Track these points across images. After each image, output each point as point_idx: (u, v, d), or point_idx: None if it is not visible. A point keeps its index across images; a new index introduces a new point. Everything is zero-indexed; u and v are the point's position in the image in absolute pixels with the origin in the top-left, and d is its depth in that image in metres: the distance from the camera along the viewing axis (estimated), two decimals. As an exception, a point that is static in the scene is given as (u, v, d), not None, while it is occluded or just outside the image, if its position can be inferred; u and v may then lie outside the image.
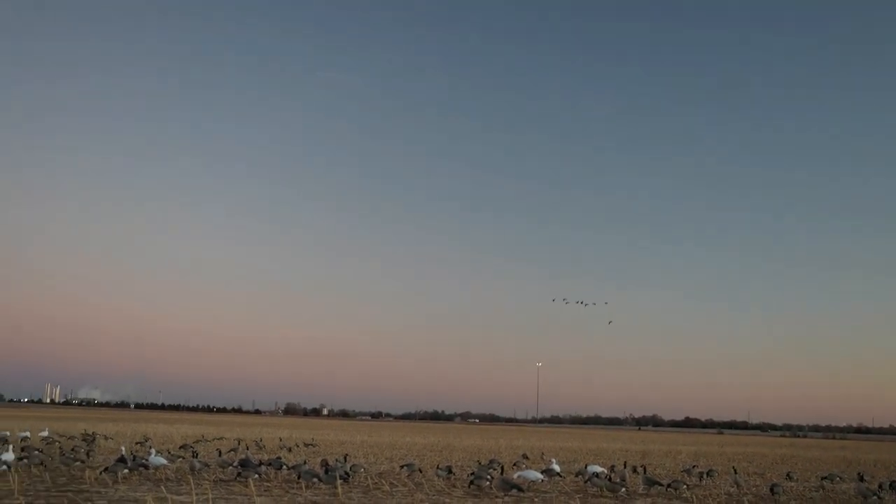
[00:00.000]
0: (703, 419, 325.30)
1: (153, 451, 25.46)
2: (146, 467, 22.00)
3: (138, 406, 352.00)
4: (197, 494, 16.63)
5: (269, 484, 20.51)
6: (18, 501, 15.02)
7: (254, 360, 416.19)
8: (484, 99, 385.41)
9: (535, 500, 19.41)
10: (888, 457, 68.10)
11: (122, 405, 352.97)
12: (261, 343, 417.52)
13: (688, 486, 23.15)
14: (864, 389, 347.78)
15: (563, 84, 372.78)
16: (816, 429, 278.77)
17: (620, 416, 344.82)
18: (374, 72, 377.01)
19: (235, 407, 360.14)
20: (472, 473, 22.22)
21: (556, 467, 25.99)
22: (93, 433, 43.32)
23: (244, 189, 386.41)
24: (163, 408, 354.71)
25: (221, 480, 21.24)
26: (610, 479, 21.97)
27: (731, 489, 24.59)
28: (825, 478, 27.20)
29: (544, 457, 39.37)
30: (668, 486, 22.40)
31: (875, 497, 21.51)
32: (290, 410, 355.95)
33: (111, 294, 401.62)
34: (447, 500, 18.19)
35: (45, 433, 42.55)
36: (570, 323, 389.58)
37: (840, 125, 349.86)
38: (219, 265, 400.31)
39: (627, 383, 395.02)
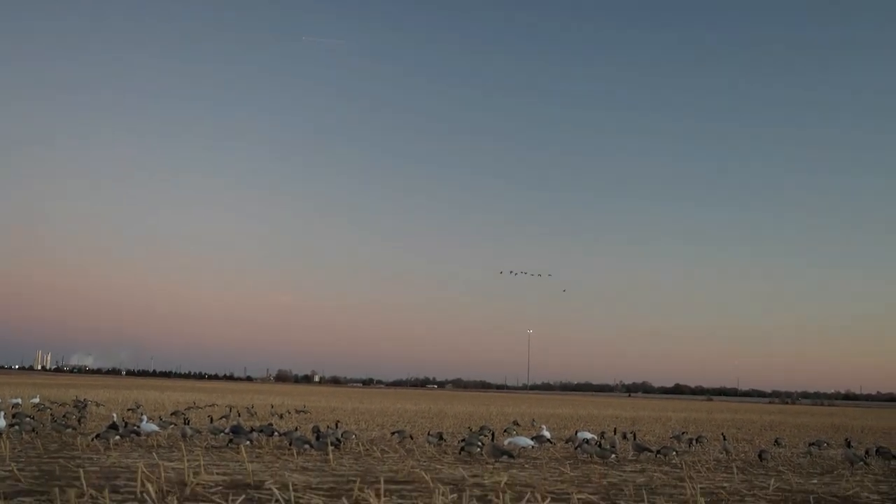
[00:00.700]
0: (692, 386, 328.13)
1: (145, 417, 25.46)
2: (138, 434, 22.01)
3: (129, 373, 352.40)
4: (188, 461, 16.63)
5: (260, 450, 20.55)
6: (9, 468, 15.00)
7: (245, 328, 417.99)
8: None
9: (526, 466, 19.50)
10: (875, 423, 68.84)
11: (114, 372, 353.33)
12: (252, 310, 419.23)
13: (677, 452, 23.30)
14: (852, 357, 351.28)
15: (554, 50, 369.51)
16: (805, 395, 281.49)
17: (611, 383, 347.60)
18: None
19: (227, 374, 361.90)
20: (463, 440, 22.28)
21: (547, 434, 26.13)
22: (84, 400, 43.36)
23: (234, 155, 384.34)
24: (154, 374, 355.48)
25: (213, 447, 21.28)
26: (600, 446, 22.08)
27: (720, 455, 24.77)
28: (813, 444, 27.40)
29: (535, 423, 39.60)
30: (658, 452, 22.53)
31: (862, 462, 21.71)
32: (281, 377, 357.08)
33: (103, 261, 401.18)
34: (438, 467, 18.26)
35: (37, 400, 42.61)
36: (561, 290, 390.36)
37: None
38: (210, 231, 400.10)
39: (618, 350, 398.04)
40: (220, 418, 32.75)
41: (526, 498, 13.62)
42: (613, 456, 21.43)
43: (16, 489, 12.94)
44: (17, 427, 22.33)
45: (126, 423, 24.15)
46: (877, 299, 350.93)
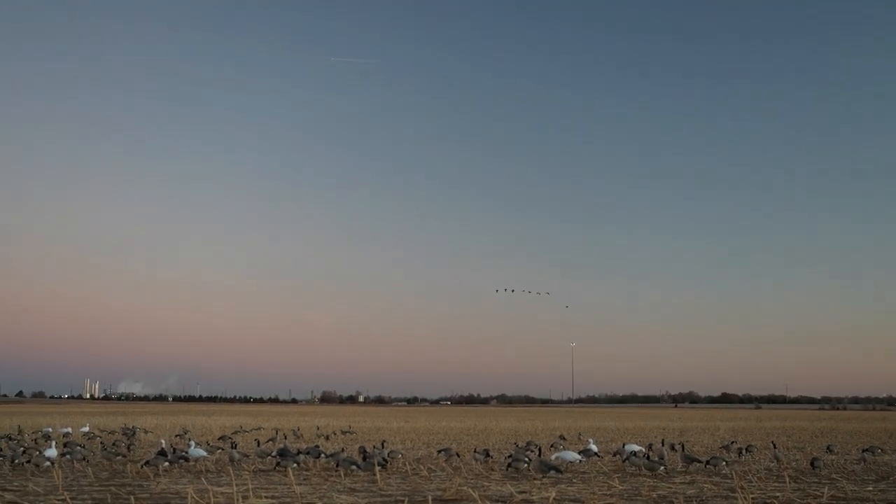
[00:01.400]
0: (740, 394, 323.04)
1: (192, 443, 25.70)
2: (186, 459, 22.20)
3: (176, 399, 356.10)
4: (237, 485, 16.76)
5: (307, 472, 20.64)
6: (63, 496, 15.23)
7: (289, 350, 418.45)
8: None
9: (574, 480, 19.37)
10: (930, 426, 67.32)
11: (161, 398, 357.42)
12: (296, 333, 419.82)
13: (727, 462, 22.97)
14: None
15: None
16: (856, 401, 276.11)
17: (656, 393, 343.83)
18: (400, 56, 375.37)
19: (272, 397, 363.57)
20: (510, 456, 22.21)
21: (594, 447, 25.94)
22: (133, 427, 43.89)
23: (273, 180, 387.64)
24: (200, 400, 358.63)
25: (261, 470, 21.42)
26: (648, 458, 21.86)
27: (771, 464, 24.41)
28: (866, 450, 26.85)
29: (581, 437, 39.31)
30: (707, 462, 22.26)
31: (919, 468, 21.25)
32: (326, 399, 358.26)
33: (148, 289, 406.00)
34: (486, 484, 18.20)
35: (87, 429, 43.18)
36: (603, 302, 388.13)
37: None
38: (253, 256, 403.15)
39: (663, 360, 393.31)
40: (267, 441, 32.94)
41: (575, 513, 13.52)
42: (662, 468, 21.19)
43: (70, 518, 13.13)
44: (68, 456, 22.69)
45: (174, 449, 24.37)
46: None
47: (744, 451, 27.35)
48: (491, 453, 25.02)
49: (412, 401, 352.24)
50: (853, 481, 19.62)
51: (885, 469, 23.18)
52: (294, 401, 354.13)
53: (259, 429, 48.88)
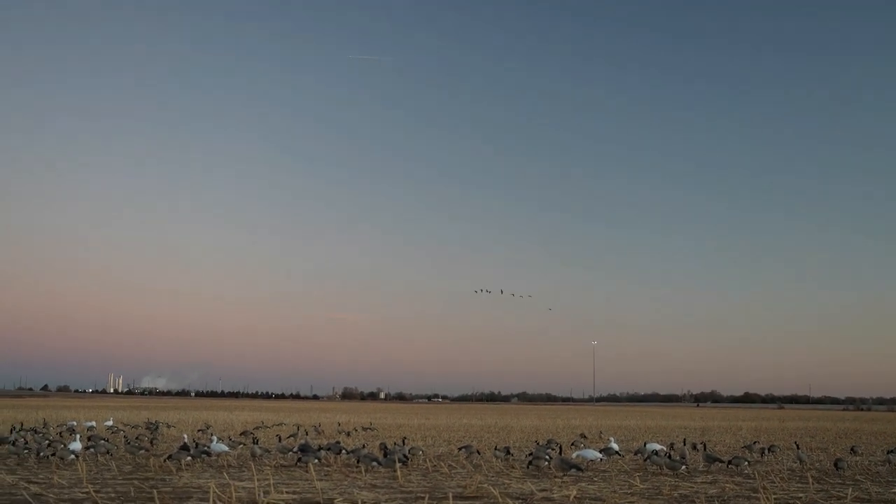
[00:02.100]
0: (762, 394, 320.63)
1: (215, 438, 25.89)
2: (208, 454, 22.37)
3: (198, 394, 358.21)
4: (258, 480, 16.85)
5: (328, 468, 20.72)
6: (86, 489, 15.37)
7: (311, 347, 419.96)
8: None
9: (595, 479, 19.31)
10: (956, 428, 66.55)
11: (183, 393, 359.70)
12: (317, 329, 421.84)
13: (749, 462, 22.80)
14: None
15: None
16: (880, 401, 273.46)
17: (678, 392, 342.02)
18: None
19: (293, 393, 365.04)
20: (531, 454, 22.19)
21: (615, 446, 25.84)
22: (156, 422, 44.20)
23: (298, 176, 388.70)
24: (223, 395, 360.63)
25: (282, 466, 21.52)
26: (670, 457, 21.76)
27: (794, 464, 24.23)
28: (891, 451, 26.53)
29: (603, 435, 39.19)
30: (730, 462, 22.12)
31: (945, 470, 21.01)
32: (347, 395, 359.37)
33: (171, 284, 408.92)
34: (506, 481, 18.18)
35: (110, 422, 43.53)
36: (625, 300, 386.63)
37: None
38: (275, 253, 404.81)
39: (685, 360, 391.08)
40: (289, 437, 33.09)
41: (596, 512, 13.48)
42: (684, 467, 21.08)
43: (93, 511, 13.25)
44: (92, 450, 22.89)
45: (197, 444, 24.55)
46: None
47: (766, 452, 27.16)
48: (512, 451, 24.99)
49: (433, 398, 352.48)
50: (877, 483, 19.44)
51: (911, 471, 22.93)
52: (315, 397, 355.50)
53: (280, 424, 49.15)
